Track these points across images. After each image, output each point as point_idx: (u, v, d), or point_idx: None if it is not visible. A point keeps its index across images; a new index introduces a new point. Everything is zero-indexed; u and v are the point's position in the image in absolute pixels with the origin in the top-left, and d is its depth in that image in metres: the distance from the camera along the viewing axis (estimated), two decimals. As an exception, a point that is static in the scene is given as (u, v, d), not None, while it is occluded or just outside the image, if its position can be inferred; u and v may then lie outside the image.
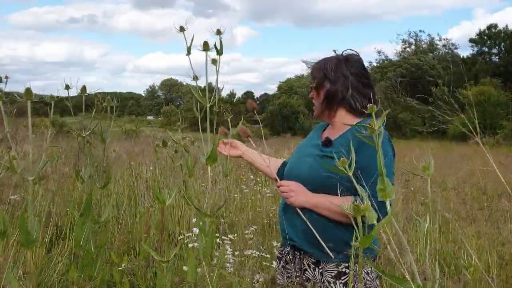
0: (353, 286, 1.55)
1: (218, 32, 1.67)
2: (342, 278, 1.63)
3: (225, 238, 3.21)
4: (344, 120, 1.74)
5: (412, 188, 6.06)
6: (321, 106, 1.80)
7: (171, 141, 1.95)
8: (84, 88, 1.91)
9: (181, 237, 3.23)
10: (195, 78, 1.66)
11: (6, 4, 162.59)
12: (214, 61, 1.66)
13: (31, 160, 1.46)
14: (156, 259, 1.85)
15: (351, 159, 1.28)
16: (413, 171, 0.99)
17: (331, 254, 1.54)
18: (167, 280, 1.79)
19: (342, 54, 1.81)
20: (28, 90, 1.41)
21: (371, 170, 1.49)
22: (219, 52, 1.68)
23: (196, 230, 3.04)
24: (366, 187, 1.43)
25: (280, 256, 1.88)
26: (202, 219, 1.68)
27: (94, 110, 2.05)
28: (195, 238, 3.02)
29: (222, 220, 4.29)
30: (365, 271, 1.66)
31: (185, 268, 2.60)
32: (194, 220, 3.69)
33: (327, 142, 1.72)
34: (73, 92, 1.90)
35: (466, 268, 0.85)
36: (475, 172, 7.95)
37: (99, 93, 2.07)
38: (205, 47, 1.65)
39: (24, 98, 1.42)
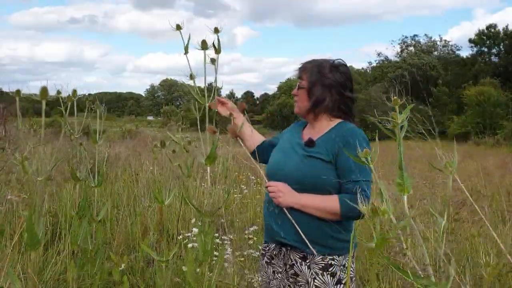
0: (339, 275, 1.74)
1: (216, 31, 1.64)
2: (329, 269, 1.75)
3: (225, 238, 3.21)
4: (326, 122, 1.86)
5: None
6: (307, 108, 1.87)
7: (169, 142, 1.95)
8: (74, 92, 1.91)
9: (180, 237, 3.22)
10: (192, 77, 1.65)
11: (6, 4, 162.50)
12: (212, 60, 1.64)
13: (39, 160, 1.46)
14: (155, 259, 1.84)
15: (335, 159, 1.70)
16: (436, 166, 0.98)
17: (314, 251, 1.70)
18: (167, 279, 1.79)
19: (333, 62, 1.86)
20: (43, 90, 1.42)
21: (354, 169, 1.69)
22: (218, 51, 1.66)
23: (195, 230, 3.04)
24: (349, 184, 1.69)
25: (264, 252, 1.95)
26: (201, 219, 1.68)
27: (85, 112, 2.05)
28: (195, 238, 3.02)
29: (222, 220, 4.28)
30: (347, 262, 1.79)
31: (184, 268, 2.60)
32: (193, 220, 3.68)
33: (310, 143, 1.81)
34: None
35: (484, 267, 0.83)
36: (474, 173, 7.95)
37: (99, 93, 2.07)
38: (204, 45, 1.63)
39: (39, 98, 1.43)
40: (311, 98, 1.83)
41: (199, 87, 1.68)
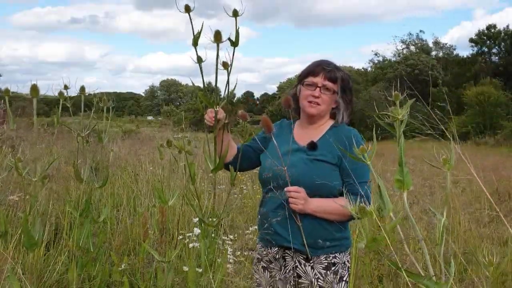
0: (341, 273, 1.77)
1: (235, 14, 1.40)
2: (332, 268, 1.78)
3: (226, 238, 3.21)
4: (322, 124, 1.89)
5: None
6: (328, 113, 1.88)
7: (175, 141, 1.92)
8: (83, 88, 1.88)
9: (181, 237, 3.22)
10: (199, 60, 1.46)
11: (8, 5, 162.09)
12: (225, 65, 1.43)
13: (35, 160, 1.46)
14: (157, 259, 1.84)
15: (340, 161, 1.72)
16: (433, 163, 0.97)
17: (319, 252, 1.75)
18: (168, 280, 1.79)
19: (345, 72, 1.89)
20: (34, 87, 1.39)
21: (358, 171, 1.71)
22: (235, 43, 1.44)
23: (196, 230, 3.03)
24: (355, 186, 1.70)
25: (261, 257, 1.91)
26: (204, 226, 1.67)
27: (92, 110, 2.05)
28: (195, 238, 3.01)
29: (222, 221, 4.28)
30: (346, 259, 1.84)
31: (185, 268, 2.60)
32: (194, 220, 3.68)
33: (313, 146, 1.80)
34: (73, 92, 1.89)
35: (486, 266, 0.82)
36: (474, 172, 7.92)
37: (99, 93, 2.07)
38: (217, 38, 1.39)
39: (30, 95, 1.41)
40: (339, 105, 1.87)
41: (207, 85, 1.55)
